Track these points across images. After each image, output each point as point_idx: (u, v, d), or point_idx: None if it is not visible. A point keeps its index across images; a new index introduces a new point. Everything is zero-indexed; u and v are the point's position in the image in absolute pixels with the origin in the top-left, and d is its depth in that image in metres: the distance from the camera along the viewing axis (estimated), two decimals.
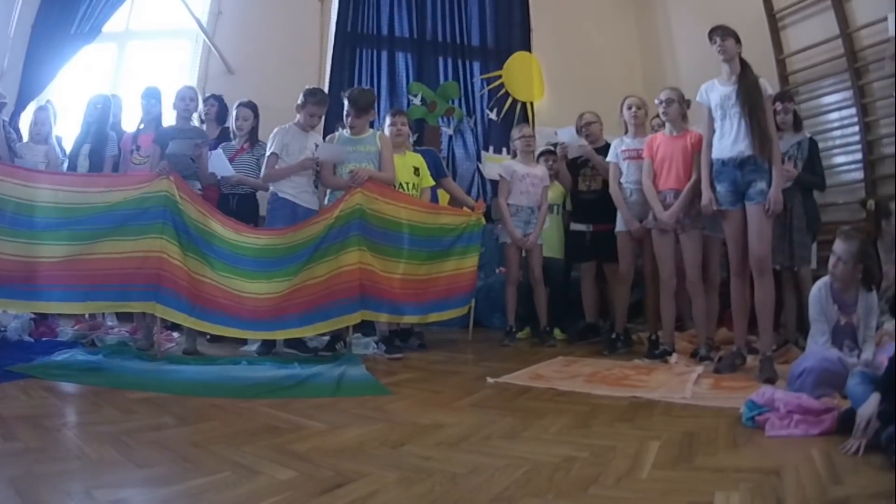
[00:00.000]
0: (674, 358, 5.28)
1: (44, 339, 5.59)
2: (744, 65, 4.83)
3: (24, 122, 7.39)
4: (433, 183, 6.35)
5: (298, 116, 5.70)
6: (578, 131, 6.70)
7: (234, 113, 6.06)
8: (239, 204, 5.79)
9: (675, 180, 5.35)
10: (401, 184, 5.98)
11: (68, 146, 6.41)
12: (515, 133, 6.81)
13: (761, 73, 4.92)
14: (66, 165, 6.18)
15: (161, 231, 5.00)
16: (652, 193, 5.47)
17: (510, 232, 6.40)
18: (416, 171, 6.20)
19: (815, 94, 7.45)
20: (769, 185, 4.66)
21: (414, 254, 5.68)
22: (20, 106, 7.82)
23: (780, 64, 7.78)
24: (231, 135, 6.14)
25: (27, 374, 4.11)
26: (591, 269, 6.53)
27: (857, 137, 6.97)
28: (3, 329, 5.54)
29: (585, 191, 6.54)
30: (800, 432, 3.05)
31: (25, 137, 6.45)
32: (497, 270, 7.59)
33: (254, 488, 2.29)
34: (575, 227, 6.64)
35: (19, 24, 8.15)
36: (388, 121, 6.30)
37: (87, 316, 6.01)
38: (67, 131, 6.75)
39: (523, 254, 6.54)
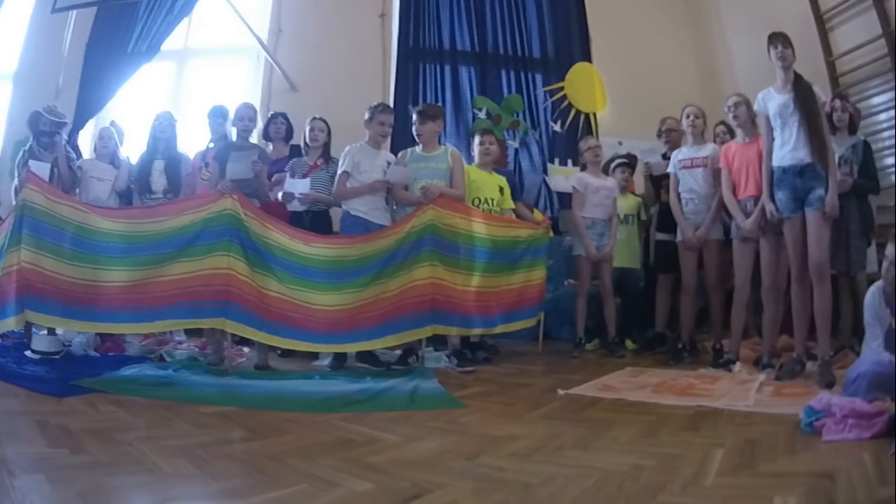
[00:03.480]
0: (737, 366, 5.29)
1: (110, 354, 5.57)
2: (795, 73, 4.85)
3: (82, 140, 7.52)
4: (513, 206, 6.34)
5: (368, 133, 5.72)
6: (659, 135, 6.69)
7: (307, 126, 6.00)
8: (313, 221, 5.71)
9: (755, 187, 5.26)
10: (486, 199, 6.01)
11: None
12: (583, 145, 6.79)
13: (813, 76, 4.95)
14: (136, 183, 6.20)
15: (227, 249, 5.03)
16: (733, 204, 5.41)
17: (585, 246, 6.36)
18: (501, 190, 6.19)
19: (865, 94, 7.27)
20: (826, 190, 4.66)
21: (488, 266, 5.67)
22: (78, 125, 7.99)
23: (830, 66, 7.64)
24: (303, 150, 6.07)
25: (93, 389, 4.11)
26: (669, 280, 6.39)
27: None
28: (67, 344, 5.50)
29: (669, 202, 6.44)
30: (853, 436, 3.12)
31: (86, 155, 6.49)
32: (566, 282, 7.52)
33: (332, 499, 2.30)
34: (660, 236, 6.54)
35: (73, 42, 8.32)
36: (476, 139, 6.32)
37: None
38: (129, 149, 6.76)
39: None
